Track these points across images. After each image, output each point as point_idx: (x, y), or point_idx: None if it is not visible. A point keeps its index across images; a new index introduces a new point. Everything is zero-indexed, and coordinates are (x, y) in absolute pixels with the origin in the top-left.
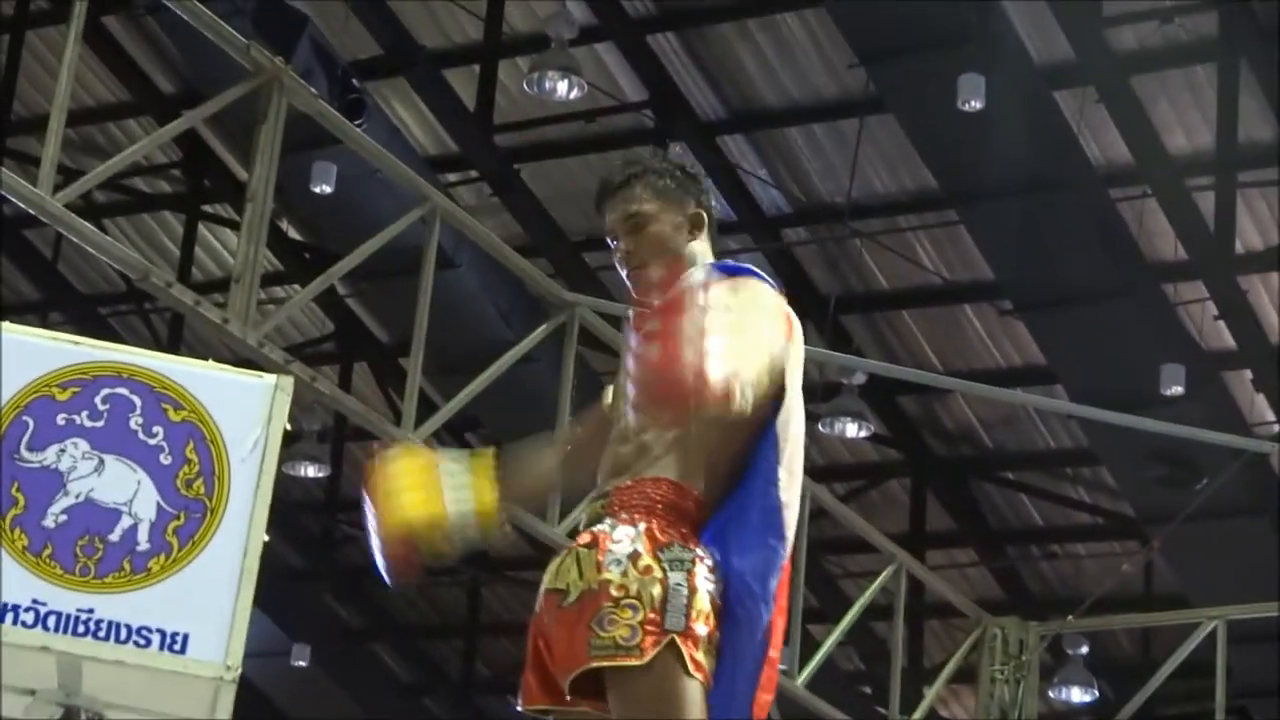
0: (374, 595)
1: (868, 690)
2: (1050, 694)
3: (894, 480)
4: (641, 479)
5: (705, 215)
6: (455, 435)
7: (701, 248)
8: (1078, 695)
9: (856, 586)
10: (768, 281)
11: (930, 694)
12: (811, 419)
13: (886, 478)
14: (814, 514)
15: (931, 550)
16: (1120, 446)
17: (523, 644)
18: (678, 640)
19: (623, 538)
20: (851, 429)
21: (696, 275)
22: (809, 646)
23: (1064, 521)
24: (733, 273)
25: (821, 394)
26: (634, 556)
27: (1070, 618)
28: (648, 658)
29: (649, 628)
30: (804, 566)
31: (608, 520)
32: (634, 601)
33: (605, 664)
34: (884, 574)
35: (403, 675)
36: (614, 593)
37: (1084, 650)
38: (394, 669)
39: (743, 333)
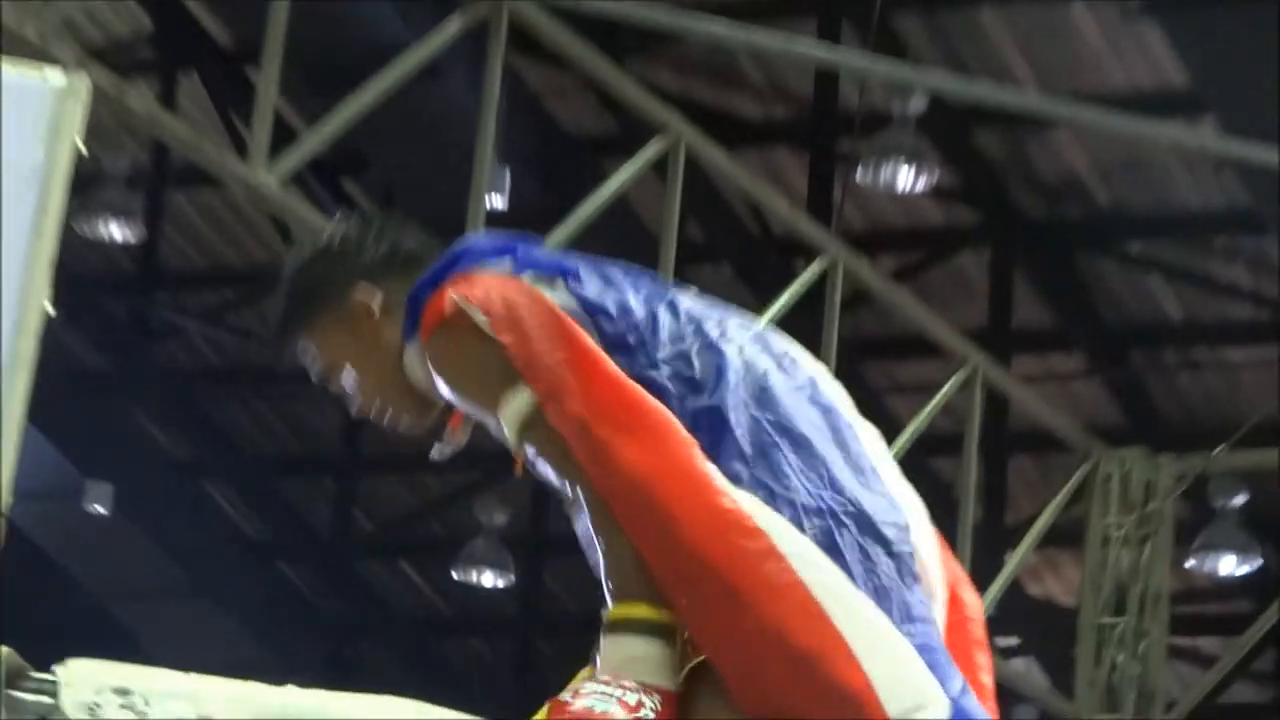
0: (208, 412)
1: None
2: (1189, 561)
3: (966, 252)
4: None
5: (372, 282)
6: (327, 179)
7: (392, 321)
8: (1229, 564)
9: (909, 405)
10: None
11: (1014, 560)
12: (847, 161)
13: (955, 249)
14: (849, 300)
15: (1020, 354)
16: None
17: (417, 485)
18: None
19: None
20: (905, 177)
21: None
22: None
23: (1213, 314)
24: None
25: (861, 127)
26: None
27: (1220, 450)
28: None
29: None
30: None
31: None
32: None
33: None
34: (949, 385)
35: (248, 527)
36: None
37: (1240, 499)
38: (235, 518)
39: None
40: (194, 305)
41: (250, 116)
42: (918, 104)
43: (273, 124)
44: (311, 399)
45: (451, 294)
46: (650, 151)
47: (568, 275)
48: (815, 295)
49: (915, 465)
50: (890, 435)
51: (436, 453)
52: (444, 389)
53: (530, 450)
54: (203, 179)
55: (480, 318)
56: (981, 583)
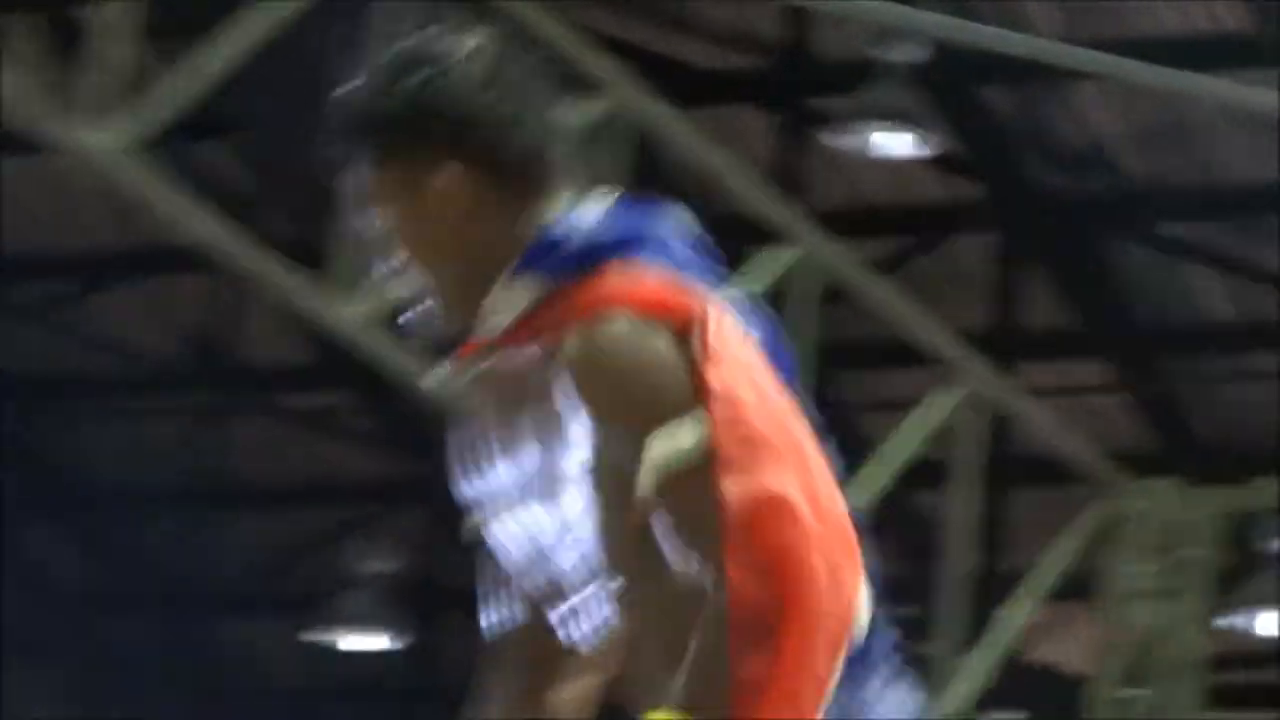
0: (18, 431)
1: (908, 608)
2: (1229, 620)
3: (966, 236)
4: None
5: (489, 151)
6: (182, 143)
7: (499, 228)
8: (1277, 623)
9: (889, 423)
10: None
11: (1014, 616)
12: (820, 122)
13: (953, 232)
14: (821, 295)
15: (1029, 362)
16: None
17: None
18: None
19: None
20: (897, 142)
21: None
22: None
23: (1269, 314)
24: (594, 303)
25: (845, 80)
26: None
27: (1271, 482)
28: None
29: None
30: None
31: None
32: None
33: None
34: (939, 400)
35: (69, 573)
36: None
37: None
38: (53, 563)
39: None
40: (17, 299)
41: (84, 65)
42: (911, 52)
43: (114, 75)
44: (159, 413)
45: (665, 287)
46: (584, 111)
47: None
48: (780, 289)
49: (895, 497)
50: (865, 461)
51: (410, 319)
52: (586, 379)
53: (665, 500)
54: (29, 146)
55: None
56: (974, 643)
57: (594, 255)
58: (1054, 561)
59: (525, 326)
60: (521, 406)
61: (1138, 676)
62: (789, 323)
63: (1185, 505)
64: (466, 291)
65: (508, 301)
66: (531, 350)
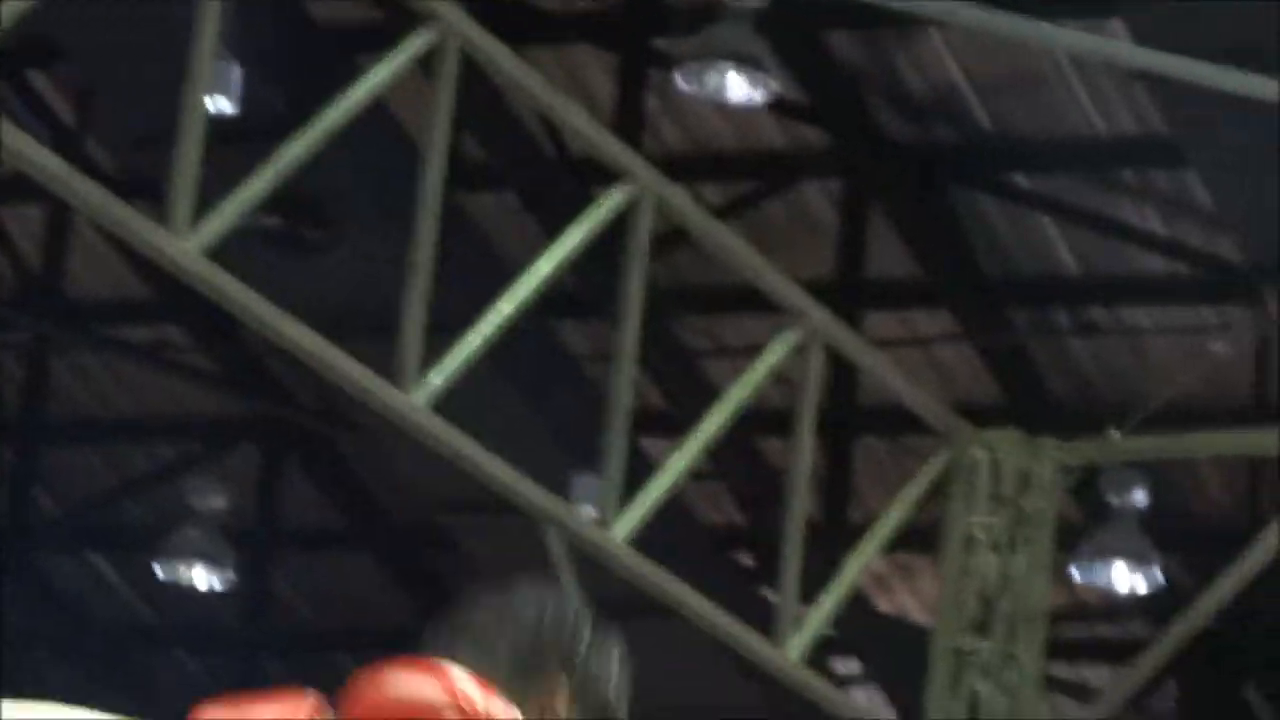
0: None
1: (749, 561)
2: (1075, 573)
3: (811, 183)
4: None
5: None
6: (8, 72)
7: None
8: (1123, 577)
9: (734, 371)
10: None
11: (855, 565)
12: (664, 65)
13: (798, 178)
14: (662, 239)
15: (874, 311)
16: (1227, 135)
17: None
18: None
19: None
20: (739, 88)
21: None
22: (639, 474)
23: (1117, 267)
24: None
25: (686, 23)
26: None
27: (1115, 433)
28: None
29: None
30: (637, 333)
31: None
32: None
33: None
34: (780, 346)
35: None
36: None
37: (1140, 497)
38: None
39: None
40: None
41: None
42: None
43: None
44: None
45: None
46: (414, 46)
47: None
48: (619, 232)
49: (736, 446)
50: (708, 408)
51: None
52: None
53: None
54: None
55: None
56: (815, 591)
57: None
58: (897, 511)
59: None
60: None
61: (980, 627)
62: (628, 266)
63: (1030, 457)
64: None
65: None
66: None
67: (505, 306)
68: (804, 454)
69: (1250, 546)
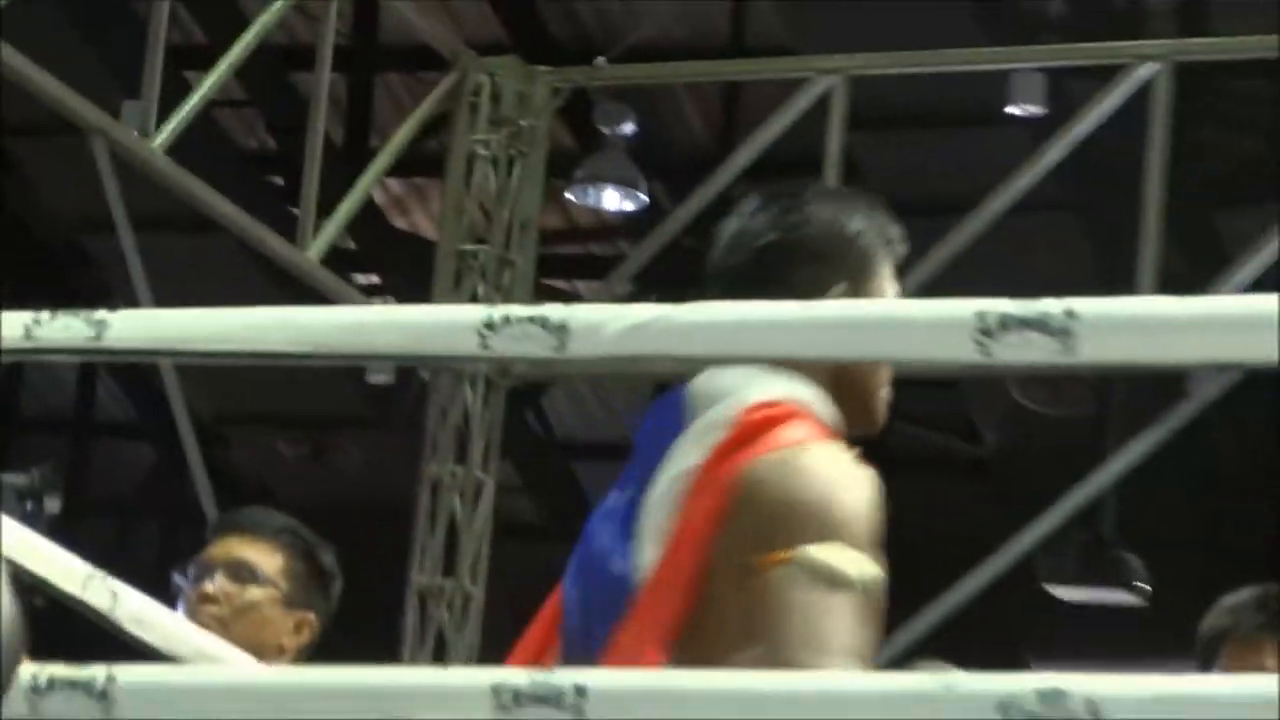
0: None
1: (278, 179)
2: (569, 196)
3: None
4: None
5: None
6: None
7: None
8: (614, 199)
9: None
10: None
11: (364, 182)
12: None
13: None
14: None
15: None
16: None
17: None
18: None
19: None
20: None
21: None
22: (175, 88)
23: None
24: None
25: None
26: None
27: (601, 61)
28: None
29: None
30: None
31: None
32: None
33: None
34: None
35: None
36: None
37: (628, 128)
38: None
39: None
40: None
41: None
42: None
43: None
44: None
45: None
46: None
47: None
48: None
49: (272, 79)
50: (236, 30)
51: None
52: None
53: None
54: None
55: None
56: (332, 204)
57: None
58: (405, 131)
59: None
60: None
61: (479, 235)
62: None
63: (526, 80)
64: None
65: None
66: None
67: None
68: (323, 84)
69: (721, 170)
